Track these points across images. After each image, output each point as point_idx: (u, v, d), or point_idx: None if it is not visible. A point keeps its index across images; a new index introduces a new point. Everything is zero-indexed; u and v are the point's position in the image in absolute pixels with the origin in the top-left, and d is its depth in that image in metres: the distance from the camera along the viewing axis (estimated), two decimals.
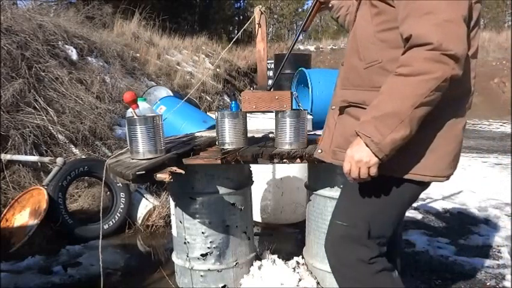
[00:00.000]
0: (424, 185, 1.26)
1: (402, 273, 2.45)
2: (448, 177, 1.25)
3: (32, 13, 5.12)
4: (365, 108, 1.20)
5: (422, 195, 4.51)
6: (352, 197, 1.32)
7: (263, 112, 2.03)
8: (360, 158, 1.12)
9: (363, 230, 1.29)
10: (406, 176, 1.20)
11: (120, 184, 3.20)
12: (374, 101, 1.13)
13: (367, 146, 1.11)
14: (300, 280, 2.10)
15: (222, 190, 2.07)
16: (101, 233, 1.90)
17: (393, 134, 1.07)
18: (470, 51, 1.18)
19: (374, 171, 1.13)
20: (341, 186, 1.54)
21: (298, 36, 1.93)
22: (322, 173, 2.08)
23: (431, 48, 1.02)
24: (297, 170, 3.21)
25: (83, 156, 3.84)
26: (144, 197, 3.41)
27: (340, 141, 1.33)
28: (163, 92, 5.16)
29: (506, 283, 2.38)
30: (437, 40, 1.01)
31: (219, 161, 1.79)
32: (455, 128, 1.21)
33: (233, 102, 2.07)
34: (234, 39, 3.21)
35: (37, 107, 3.98)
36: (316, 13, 1.86)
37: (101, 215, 1.96)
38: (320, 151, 1.42)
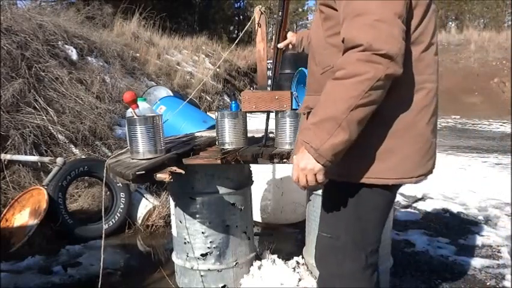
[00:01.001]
0: (394, 187, 1.23)
1: (400, 274, 2.45)
2: (418, 178, 1.22)
3: (32, 13, 5.11)
4: None
5: (422, 195, 4.50)
6: (330, 208, 1.32)
7: (263, 112, 2.03)
8: (304, 166, 1.12)
9: (347, 241, 1.28)
10: (369, 181, 1.18)
11: (120, 184, 3.20)
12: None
13: (309, 152, 1.10)
14: (300, 280, 2.10)
15: (222, 190, 2.07)
16: (103, 232, 1.90)
17: (332, 139, 1.05)
18: (421, 47, 1.16)
19: (320, 178, 1.12)
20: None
21: (273, 82, 1.98)
22: None
23: (362, 50, 1.01)
24: None
25: (83, 156, 3.84)
26: (144, 197, 3.41)
27: None
28: (163, 92, 5.16)
29: (506, 283, 2.38)
30: (367, 41, 1.01)
31: (219, 161, 1.78)
32: (416, 127, 1.18)
33: (233, 102, 2.06)
34: (236, 41, 3.21)
35: (37, 107, 3.98)
36: (281, 57, 1.93)
37: (103, 215, 1.96)
38: (294, 156, 1.45)
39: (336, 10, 1.16)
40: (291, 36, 1.89)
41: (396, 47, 1.02)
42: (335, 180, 1.22)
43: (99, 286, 1.85)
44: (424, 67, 1.18)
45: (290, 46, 1.90)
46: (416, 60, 1.16)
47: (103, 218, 1.94)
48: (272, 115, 2.00)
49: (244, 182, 2.19)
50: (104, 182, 1.89)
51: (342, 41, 1.08)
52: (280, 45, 1.88)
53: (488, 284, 2.38)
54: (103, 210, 1.98)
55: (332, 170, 1.16)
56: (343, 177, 1.21)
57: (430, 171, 1.26)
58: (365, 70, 1.01)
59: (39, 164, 3.59)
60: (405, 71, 1.08)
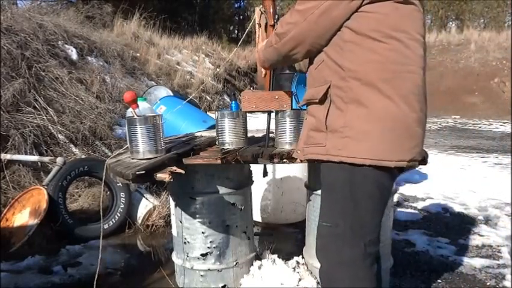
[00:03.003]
0: (384, 171, 1.28)
1: (400, 274, 2.45)
2: (399, 162, 1.27)
3: (32, 13, 5.12)
4: (315, 102, 1.36)
5: (422, 195, 4.50)
6: (328, 197, 1.40)
7: (263, 112, 2.03)
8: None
9: (346, 228, 1.33)
10: (348, 160, 1.26)
11: (120, 184, 3.20)
12: None
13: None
14: (300, 280, 2.10)
15: (222, 190, 2.07)
16: (101, 232, 1.90)
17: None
18: (393, 40, 1.25)
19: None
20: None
21: (273, 82, 2.01)
22: None
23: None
24: (297, 170, 3.21)
25: (83, 156, 3.84)
26: (144, 196, 3.41)
27: (304, 138, 1.46)
28: (163, 91, 5.15)
29: (506, 283, 2.38)
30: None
31: (219, 161, 1.78)
32: (396, 114, 1.25)
33: (233, 102, 2.06)
34: (240, 42, 3.22)
35: (37, 106, 3.98)
36: None
37: (101, 215, 1.96)
38: (298, 152, 1.54)
39: None
40: None
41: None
42: (321, 160, 1.34)
43: (94, 286, 1.84)
44: (402, 57, 1.27)
45: None
46: (390, 51, 1.25)
47: (102, 218, 1.94)
48: (272, 115, 2.00)
49: (244, 182, 2.19)
50: (104, 181, 1.89)
51: None
52: None
53: (488, 284, 2.38)
54: (101, 210, 1.98)
55: (316, 149, 1.33)
56: (326, 156, 1.32)
57: (415, 160, 1.31)
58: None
59: (39, 163, 3.59)
60: (379, 60, 1.25)
